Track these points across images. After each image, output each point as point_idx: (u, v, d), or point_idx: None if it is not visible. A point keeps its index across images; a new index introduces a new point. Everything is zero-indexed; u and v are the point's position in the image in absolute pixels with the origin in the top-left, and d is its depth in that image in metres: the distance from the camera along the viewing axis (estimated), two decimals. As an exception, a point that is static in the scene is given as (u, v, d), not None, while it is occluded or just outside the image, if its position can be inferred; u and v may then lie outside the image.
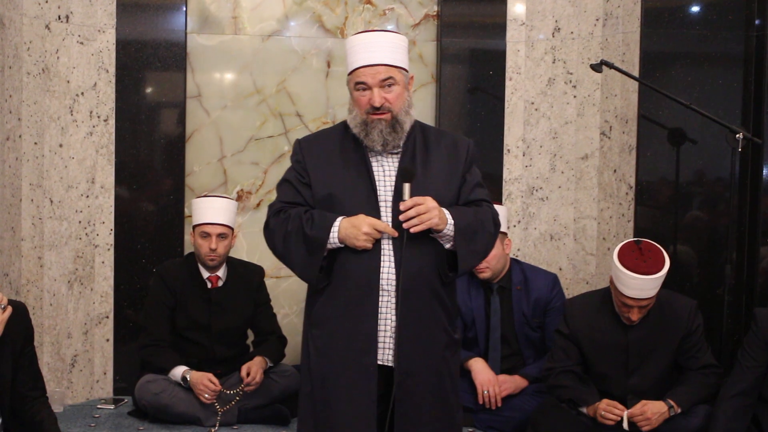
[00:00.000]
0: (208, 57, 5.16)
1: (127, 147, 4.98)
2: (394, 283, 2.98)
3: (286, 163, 5.03)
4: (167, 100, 5.10)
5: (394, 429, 3.00)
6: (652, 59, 4.74)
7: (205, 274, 4.66)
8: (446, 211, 2.98)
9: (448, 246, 3.03)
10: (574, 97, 5.10)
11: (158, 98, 5.10)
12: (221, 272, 4.69)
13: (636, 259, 3.91)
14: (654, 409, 3.97)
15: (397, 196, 3.00)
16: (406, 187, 2.93)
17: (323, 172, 3.09)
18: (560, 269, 5.12)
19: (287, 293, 5.24)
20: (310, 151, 3.14)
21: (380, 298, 2.99)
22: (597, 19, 5.02)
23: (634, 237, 4.53)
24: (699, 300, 4.23)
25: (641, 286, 3.88)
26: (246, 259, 5.00)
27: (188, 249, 4.94)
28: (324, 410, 3.05)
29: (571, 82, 5.11)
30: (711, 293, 4.67)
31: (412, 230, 2.90)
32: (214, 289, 4.66)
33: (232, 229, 4.64)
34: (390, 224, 2.98)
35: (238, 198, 5.18)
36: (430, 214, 2.91)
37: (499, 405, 4.43)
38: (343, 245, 2.97)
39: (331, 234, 2.95)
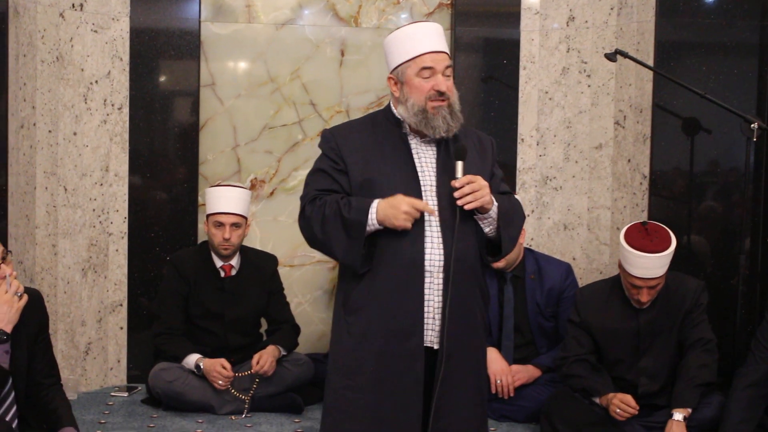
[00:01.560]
0: (222, 45, 5.16)
1: (141, 135, 5.00)
2: (437, 264, 2.95)
3: (300, 152, 5.17)
4: (181, 88, 5.11)
5: (437, 410, 2.96)
6: (666, 48, 4.72)
7: (219, 263, 4.67)
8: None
9: (487, 230, 3.04)
10: (589, 86, 5.08)
11: (172, 87, 5.11)
12: (234, 261, 4.70)
13: (642, 238, 3.96)
14: None
15: (442, 182, 2.99)
16: (460, 164, 2.92)
17: (361, 158, 3.03)
18: (574, 259, 5.11)
19: (301, 282, 5.25)
20: (345, 138, 3.08)
21: (425, 279, 2.96)
22: (611, 8, 5.00)
23: (648, 227, 4.52)
24: (713, 290, 4.23)
25: (648, 264, 3.90)
26: (259, 247, 5.02)
27: (202, 238, 4.95)
28: (360, 399, 2.99)
29: (585, 71, 5.09)
30: (725, 283, 4.66)
31: (466, 207, 2.90)
32: (228, 278, 4.67)
33: (245, 218, 4.65)
34: (436, 211, 2.97)
35: (252, 187, 5.18)
36: (484, 191, 2.91)
37: (512, 395, 4.45)
38: (382, 227, 2.93)
39: (369, 216, 2.90)
